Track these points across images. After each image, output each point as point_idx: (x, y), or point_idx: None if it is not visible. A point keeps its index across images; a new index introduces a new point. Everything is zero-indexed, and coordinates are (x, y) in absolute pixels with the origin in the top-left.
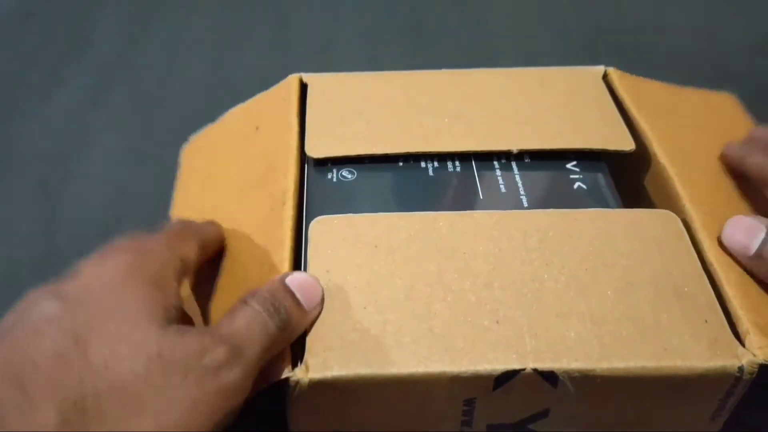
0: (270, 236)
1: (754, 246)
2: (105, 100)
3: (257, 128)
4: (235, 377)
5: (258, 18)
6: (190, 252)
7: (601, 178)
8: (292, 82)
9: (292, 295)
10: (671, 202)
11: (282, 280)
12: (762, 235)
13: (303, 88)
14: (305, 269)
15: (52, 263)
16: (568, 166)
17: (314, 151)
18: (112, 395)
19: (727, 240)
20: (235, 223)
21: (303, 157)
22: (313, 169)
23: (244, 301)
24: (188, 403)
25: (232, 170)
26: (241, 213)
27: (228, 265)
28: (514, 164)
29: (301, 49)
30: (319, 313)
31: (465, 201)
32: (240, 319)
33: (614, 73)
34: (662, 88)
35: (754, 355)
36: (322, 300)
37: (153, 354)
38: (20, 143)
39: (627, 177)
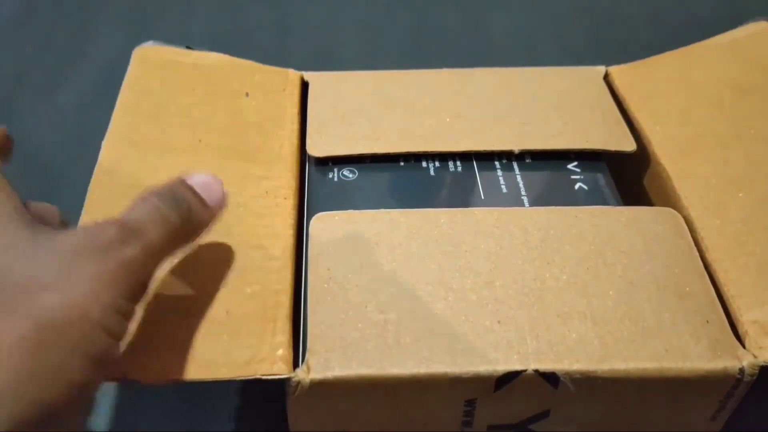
0: (267, 224)
1: None
2: (106, 100)
3: (247, 94)
4: (133, 252)
5: (258, 18)
6: None
7: (602, 179)
8: (291, 75)
9: (193, 191)
10: (671, 202)
11: (181, 178)
12: None
13: (303, 87)
14: (306, 268)
15: None
16: (569, 166)
17: (315, 150)
18: (15, 286)
19: None
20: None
21: (303, 155)
22: (313, 167)
23: (142, 197)
24: (90, 277)
25: (214, 119)
26: (224, 173)
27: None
28: (515, 164)
29: (302, 50)
30: (221, 210)
31: (466, 201)
32: (137, 209)
33: (615, 71)
34: (672, 62)
35: (755, 356)
36: (225, 198)
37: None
38: (21, 144)
39: (627, 177)
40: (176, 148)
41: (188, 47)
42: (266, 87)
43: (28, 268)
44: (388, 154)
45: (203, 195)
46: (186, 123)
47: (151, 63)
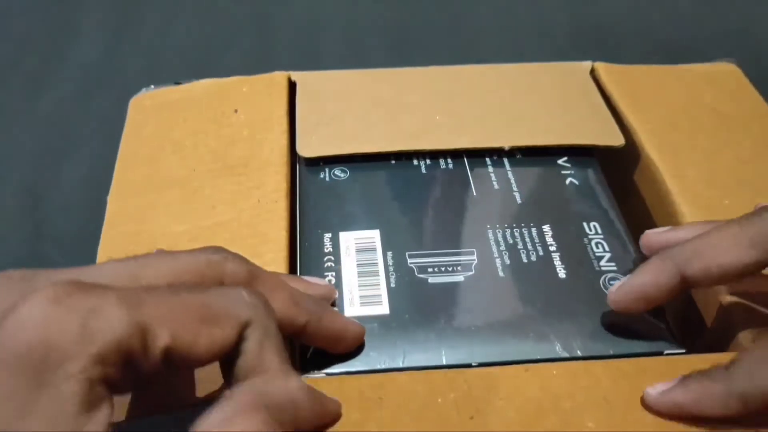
0: (260, 232)
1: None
2: (89, 103)
3: (236, 111)
4: None
5: (242, 18)
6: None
7: (592, 174)
8: (278, 78)
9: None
10: (661, 197)
11: (304, 388)
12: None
13: (290, 87)
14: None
15: (37, 266)
16: (560, 161)
17: (306, 150)
18: None
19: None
20: (209, 201)
21: (294, 156)
22: (304, 168)
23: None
24: None
25: (205, 144)
26: (218, 192)
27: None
28: (506, 161)
29: (286, 49)
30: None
31: (458, 198)
32: None
33: (601, 68)
34: (654, 73)
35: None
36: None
37: None
38: (3, 147)
39: (617, 172)
40: (172, 183)
41: (177, 83)
42: (253, 97)
43: None
44: (379, 153)
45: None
46: (180, 156)
47: (146, 109)
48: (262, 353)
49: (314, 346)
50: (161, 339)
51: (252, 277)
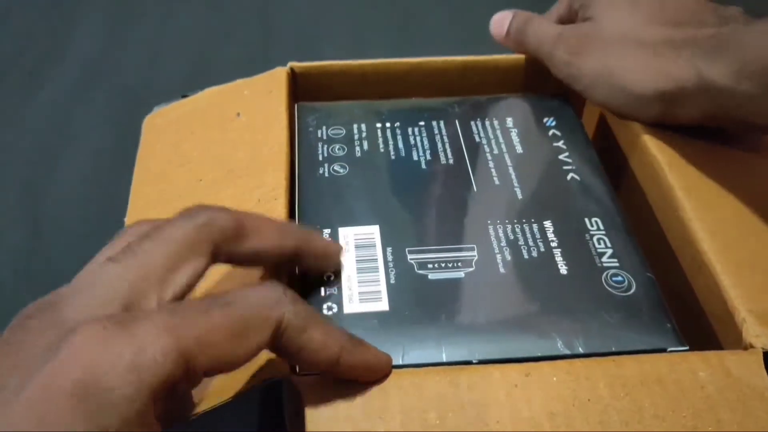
0: None
1: (504, 28)
2: (87, 98)
3: (238, 114)
4: None
5: (241, 14)
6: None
7: (594, 169)
8: (278, 74)
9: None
10: (662, 191)
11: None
12: (509, 20)
13: (292, 81)
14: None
15: (36, 265)
16: (560, 157)
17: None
18: None
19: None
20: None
21: (293, 153)
22: (303, 164)
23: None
24: None
25: (210, 153)
26: (226, 200)
27: None
28: (507, 156)
29: (286, 45)
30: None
31: (459, 193)
32: None
33: None
34: None
35: (752, 345)
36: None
37: None
38: (1, 143)
39: (619, 167)
40: (180, 195)
41: (184, 95)
42: (255, 98)
43: None
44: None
45: None
46: (187, 168)
47: (157, 127)
48: (302, 337)
49: (307, 270)
50: (202, 363)
51: (239, 225)
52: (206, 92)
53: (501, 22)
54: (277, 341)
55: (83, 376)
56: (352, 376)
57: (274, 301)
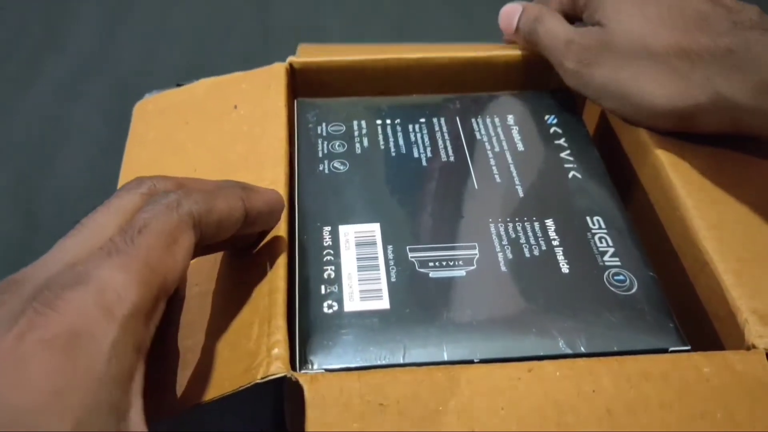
0: None
1: (514, 23)
2: (84, 91)
3: (235, 107)
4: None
5: (240, 7)
6: (176, 272)
7: (595, 167)
8: (277, 69)
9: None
10: (665, 191)
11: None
12: (518, 14)
13: (291, 77)
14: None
15: (31, 258)
16: (562, 155)
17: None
18: None
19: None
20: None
21: (292, 149)
22: (303, 161)
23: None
24: None
25: (205, 144)
26: (213, 171)
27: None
28: (508, 154)
29: (285, 38)
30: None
31: (459, 191)
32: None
33: None
34: None
35: (754, 345)
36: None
37: None
38: None
39: (621, 165)
40: None
41: (178, 84)
42: (252, 92)
43: None
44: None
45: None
46: (182, 157)
47: (149, 114)
48: (214, 215)
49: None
50: (158, 281)
51: (180, 186)
52: (202, 82)
53: (510, 15)
54: (201, 233)
55: (57, 329)
56: (262, 222)
57: (175, 203)
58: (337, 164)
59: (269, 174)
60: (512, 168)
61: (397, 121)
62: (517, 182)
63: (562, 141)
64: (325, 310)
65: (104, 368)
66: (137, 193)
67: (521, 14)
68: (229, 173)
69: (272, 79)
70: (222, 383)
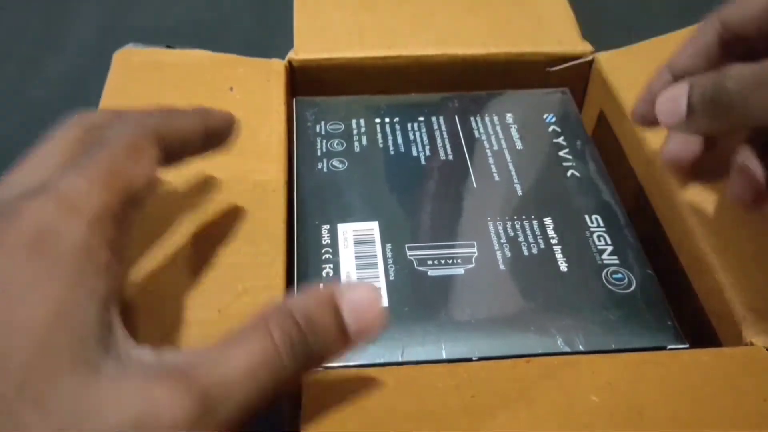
0: (258, 222)
1: (683, 107)
2: (82, 93)
3: (231, 89)
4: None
5: (239, 7)
6: (139, 180)
7: (594, 166)
8: (276, 65)
9: (338, 318)
10: (662, 188)
11: (332, 296)
12: (685, 95)
13: (290, 75)
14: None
15: None
16: (561, 153)
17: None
18: None
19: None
20: (203, 179)
21: (291, 147)
22: (302, 159)
23: (262, 321)
24: None
25: None
26: (218, 165)
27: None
28: (506, 152)
29: (285, 37)
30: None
31: (458, 189)
32: (241, 359)
33: (603, 59)
34: (657, 50)
35: (752, 342)
36: (381, 325)
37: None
38: None
39: (619, 164)
40: None
41: (169, 46)
42: (250, 80)
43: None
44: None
45: (351, 322)
46: None
47: (132, 66)
48: (175, 131)
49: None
50: (124, 185)
51: (116, 115)
52: (196, 52)
53: (674, 101)
54: (165, 149)
55: (21, 230)
56: (220, 137)
57: (139, 120)
58: (335, 163)
59: (269, 170)
60: (511, 167)
61: (396, 119)
62: (515, 181)
63: (560, 140)
64: None
65: (76, 261)
66: (83, 130)
67: (690, 90)
68: (225, 155)
69: (272, 74)
70: None
